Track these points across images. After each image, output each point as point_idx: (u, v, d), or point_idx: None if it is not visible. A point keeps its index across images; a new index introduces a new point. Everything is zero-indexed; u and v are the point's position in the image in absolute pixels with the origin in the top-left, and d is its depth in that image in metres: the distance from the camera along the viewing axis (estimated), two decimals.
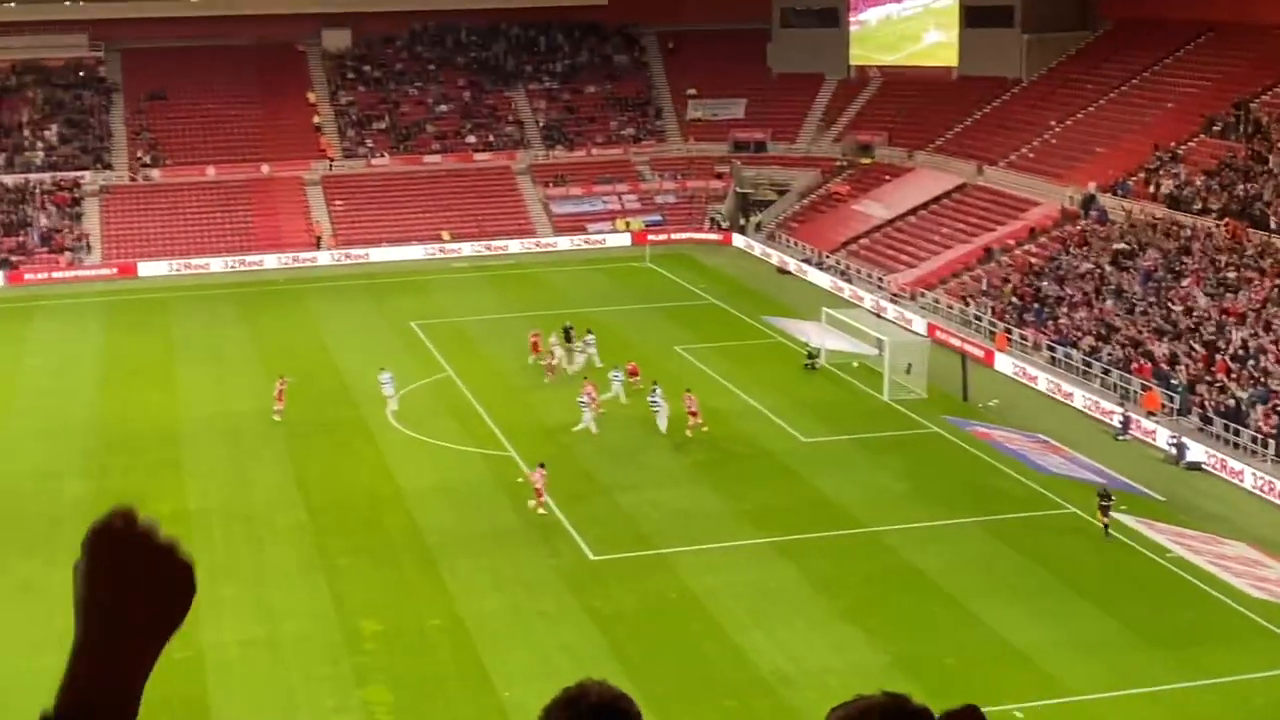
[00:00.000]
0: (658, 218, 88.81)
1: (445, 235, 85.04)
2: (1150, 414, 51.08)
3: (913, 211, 79.90)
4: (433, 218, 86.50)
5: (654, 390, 50.41)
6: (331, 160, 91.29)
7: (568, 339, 59.79)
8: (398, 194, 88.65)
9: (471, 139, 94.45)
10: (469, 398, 54.66)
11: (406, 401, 53.22)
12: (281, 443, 49.82)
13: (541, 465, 43.31)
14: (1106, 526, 40.46)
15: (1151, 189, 68.10)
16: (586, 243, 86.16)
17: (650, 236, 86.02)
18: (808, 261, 78.93)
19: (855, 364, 57.99)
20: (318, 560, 39.62)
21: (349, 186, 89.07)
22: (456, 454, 48.31)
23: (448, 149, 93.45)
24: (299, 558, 39.85)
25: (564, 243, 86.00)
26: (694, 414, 49.66)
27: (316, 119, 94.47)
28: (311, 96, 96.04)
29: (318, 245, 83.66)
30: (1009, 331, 60.98)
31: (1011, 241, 71.03)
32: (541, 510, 42.17)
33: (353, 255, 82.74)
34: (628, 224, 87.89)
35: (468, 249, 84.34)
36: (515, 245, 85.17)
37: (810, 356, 58.83)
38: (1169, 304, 57.84)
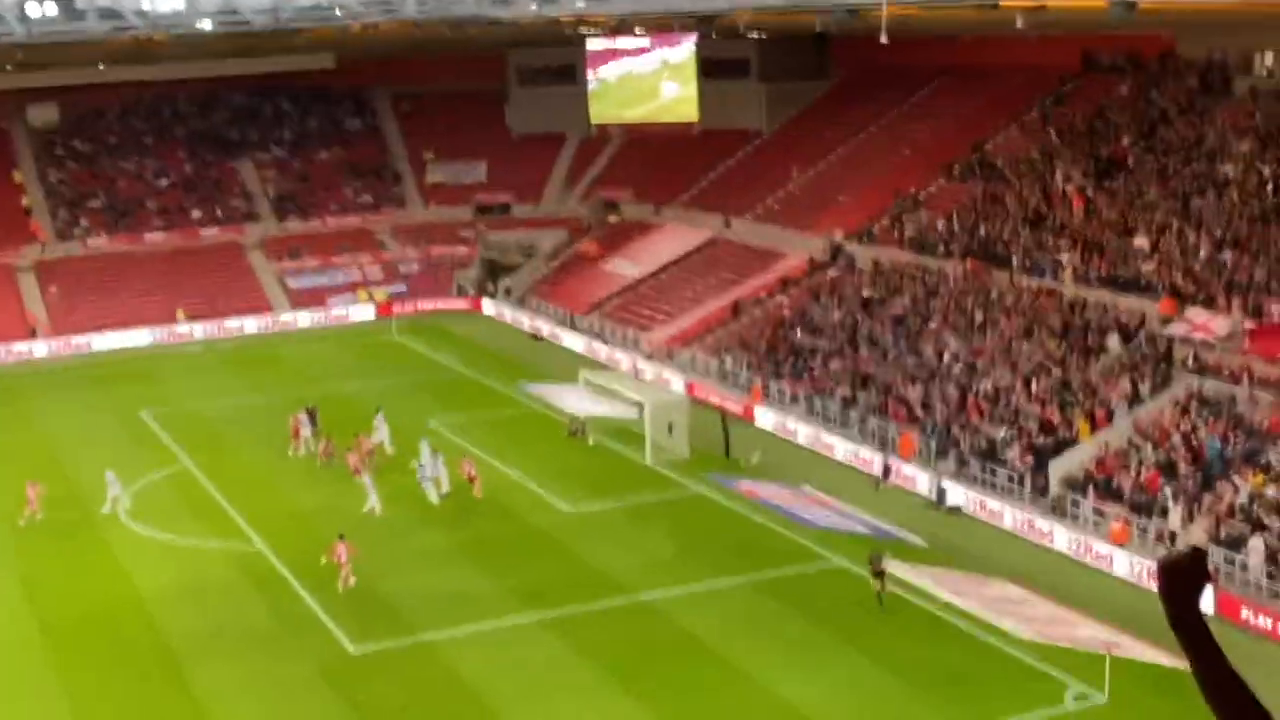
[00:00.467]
0: (402, 287, 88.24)
1: (180, 314, 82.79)
2: (907, 459, 53.01)
3: (664, 268, 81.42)
4: (159, 299, 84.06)
5: (421, 462, 50.29)
6: (44, 243, 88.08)
7: (313, 421, 58.81)
8: (118, 275, 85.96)
9: (196, 214, 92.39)
10: (209, 489, 53.80)
11: (142, 498, 52.24)
12: (5, 553, 47.98)
13: (341, 536, 43.55)
14: (880, 594, 40.86)
15: (896, 234, 71.06)
16: (328, 318, 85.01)
17: (396, 307, 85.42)
18: (561, 324, 79.59)
19: (617, 429, 58.63)
20: (52, 679, 37.97)
21: (64, 270, 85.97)
22: (198, 551, 47.26)
23: (171, 225, 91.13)
24: (32, 678, 38.22)
25: (304, 318, 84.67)
26: (473, 479, 50.77)
27: (25, 200, 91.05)
28: (18, 176, 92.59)
29: (33, 335, 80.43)
30: (765, 386, 62.56)
31: (763, 293, 73.06)
32: (352, 581, 42.53)
33: (73, 344, 79.79)
34: (370, 295, 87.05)
35: (199, 331, 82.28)
36: (251, 324, 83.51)
37: (573, 430, 59.14)
38: (920, 348, 60.32)
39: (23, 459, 57.86)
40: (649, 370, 68.80)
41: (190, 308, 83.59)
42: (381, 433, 57.18)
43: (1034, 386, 53.47)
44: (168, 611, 42.13)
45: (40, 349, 79.34)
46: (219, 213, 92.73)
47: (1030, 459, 49.66)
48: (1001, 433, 51.62)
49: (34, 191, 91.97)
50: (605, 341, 74.90)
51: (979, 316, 60.50)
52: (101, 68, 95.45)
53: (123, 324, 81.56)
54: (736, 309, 72.35)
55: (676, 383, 66.24)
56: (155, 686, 37.40)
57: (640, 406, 57.11)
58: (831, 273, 71.56)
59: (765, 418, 60.77)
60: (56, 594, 43.97)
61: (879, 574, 40.91)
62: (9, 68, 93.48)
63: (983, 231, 66.66)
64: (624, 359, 71.26)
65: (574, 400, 60.27)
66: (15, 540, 48.74)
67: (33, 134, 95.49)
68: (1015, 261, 62.86)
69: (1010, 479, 49.70)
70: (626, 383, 62.30)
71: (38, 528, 49.68)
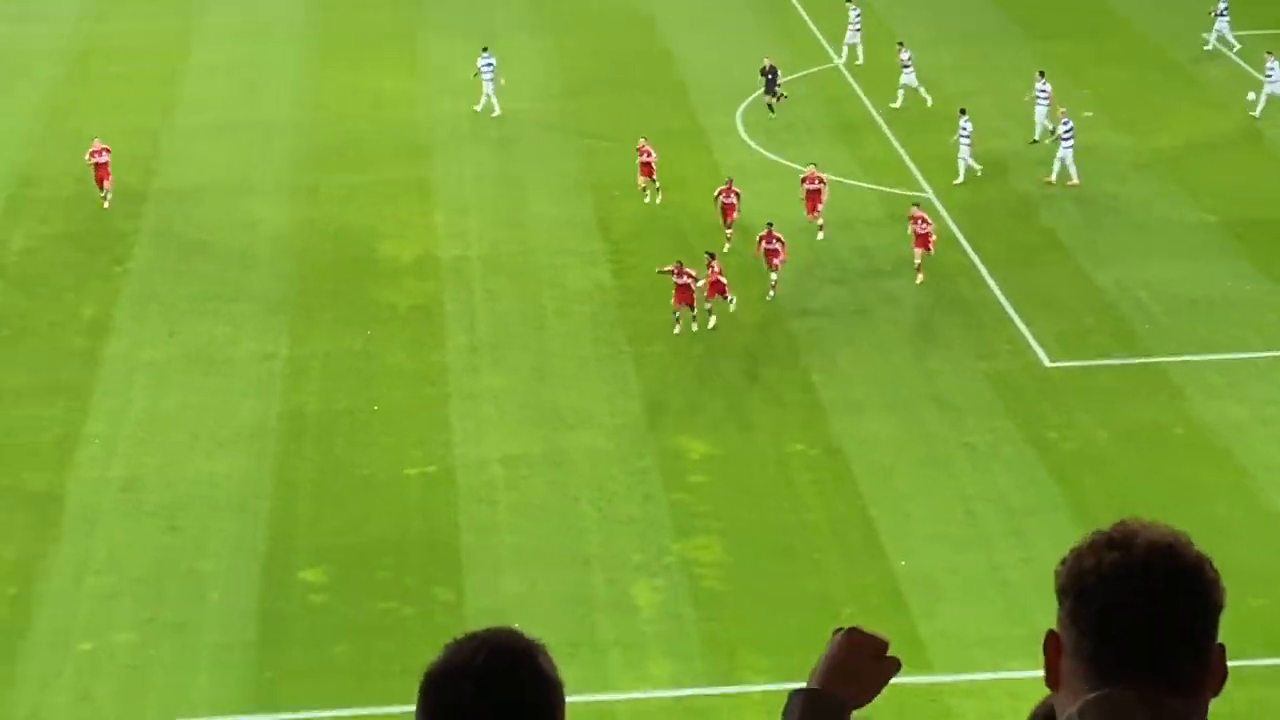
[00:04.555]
0: None
1: None
2: None
3: None
4: None
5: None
6: None
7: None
8: None
9: None
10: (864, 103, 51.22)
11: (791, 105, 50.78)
12: (574, 158, 48.02)
13: (710, 255, 39.20)
14: None
15: None
16: None
17: None
18: None
19: None
20: (621, 342, 38.32)
21: None
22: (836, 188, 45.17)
23: None
24: (596, 335, 38.67)
25: None
26: None
27: None
28: None
29: None
30: None
31: None
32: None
33: None
34: None
35: None
36: None
37: None
38: None
39: (621, 37, 56.76)
40: None
41: None
42: None
43: None
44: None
45: None
46: None
47: None
48: None
49: None
50: None
51: None
52: None
53: None
54: None
55: None
56: (764, 372, 36.09)
57: None
58: None
59: None
60: (627, 217, 44.49)
61: None
62: None
63: None
64: None
65: None
66: (585, 146, 48.84)
67: None
68: None
69: None
70: None
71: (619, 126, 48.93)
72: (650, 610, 29.83)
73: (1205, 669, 3.24)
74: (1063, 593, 3.28)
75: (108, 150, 43.95)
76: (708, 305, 38.24)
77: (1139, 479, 33.02)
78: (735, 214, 41.60)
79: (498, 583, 30.43)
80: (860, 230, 43.74)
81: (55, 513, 32.12)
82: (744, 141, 49.32)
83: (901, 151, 48.24)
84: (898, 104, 50.57)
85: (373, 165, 47.79)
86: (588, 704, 26.84)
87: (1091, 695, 3.20)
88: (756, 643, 28.87)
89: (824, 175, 42.69)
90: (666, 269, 37.91)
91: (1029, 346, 38.24)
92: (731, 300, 38.12)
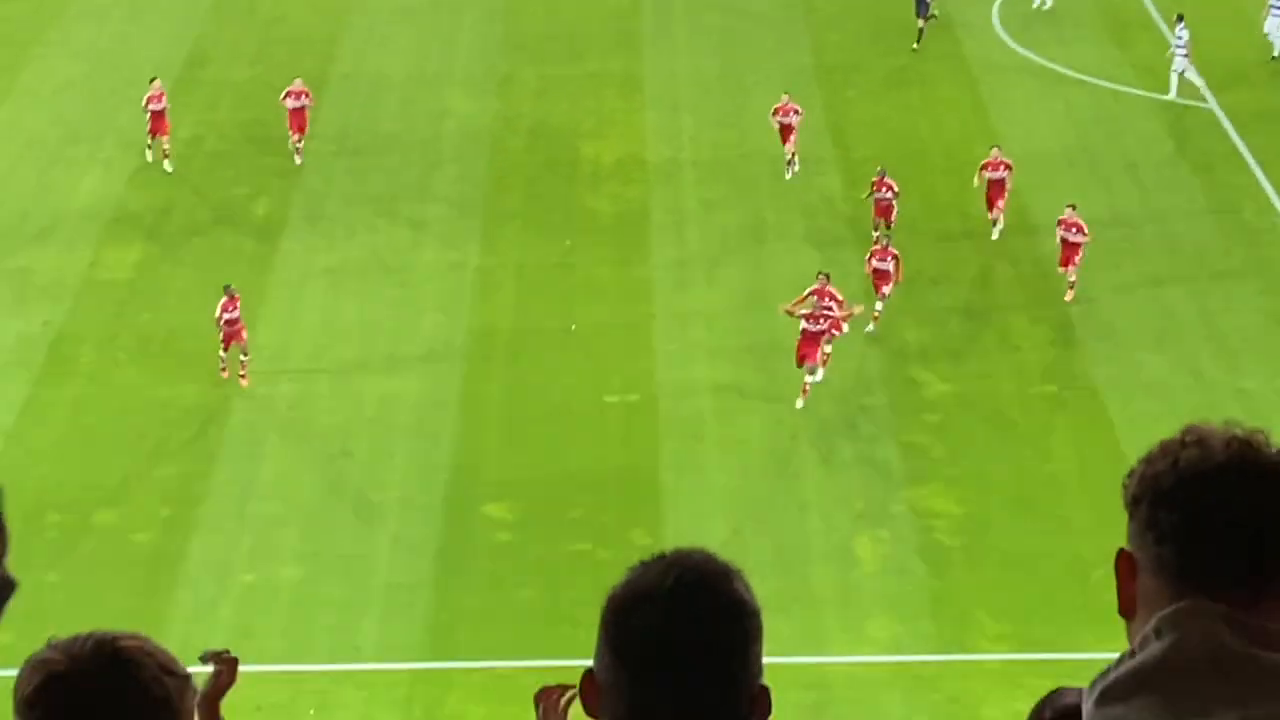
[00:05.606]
0: None
1: None
2: None
3: None
4: None
5: None
6: None
7: None
8: None
9: None
10: None
11: None
12: (803, 52, 45.52)
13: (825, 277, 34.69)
14: None
15: None
16: None
17: None
18: None
19: None
20: (850, 262, 36.99)
21: None
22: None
23: None
24: (822, 256, 37.04)
25: None
26: None
27: None
28: None
29: None
30: None
31: None
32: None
33: None
34: None
35: None
36: None
37: None
38: None
39: None
40: None
41: None
42: None
43: None
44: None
45: None
46: None
47: None
48: None
49: None
50: None
51: None
52: None
53: None
54: None
55: None
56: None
57: None
58: None
59: None
60: (869, 128, 44.00)
61: None
62: None
63: None
64: None
65: None
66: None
67: None
68: None
69: None
70: None
71: None
72: (872, 565, 29.57)
73: None
74: (1135, 502, 3.21)
75: (307, 94, 41.14)
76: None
77: None
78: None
79: (702, 527, 29.80)
80: (1129, 143, 42.52)
81: (217, 430, 31.96)
82: (999, 37, 48.36)
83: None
84: None
85: (575, 56, 47.46)
86: (799, 665, 26.57)
87: (1169, 609, 3.08)
88: (991, 606, 28.48)
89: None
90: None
91: None
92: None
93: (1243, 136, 42.15)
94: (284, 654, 27.10)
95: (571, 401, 32.86)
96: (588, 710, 3.51)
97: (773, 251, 38.38)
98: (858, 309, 33.49)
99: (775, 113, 40.58)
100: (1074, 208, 36.08)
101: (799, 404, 32.57)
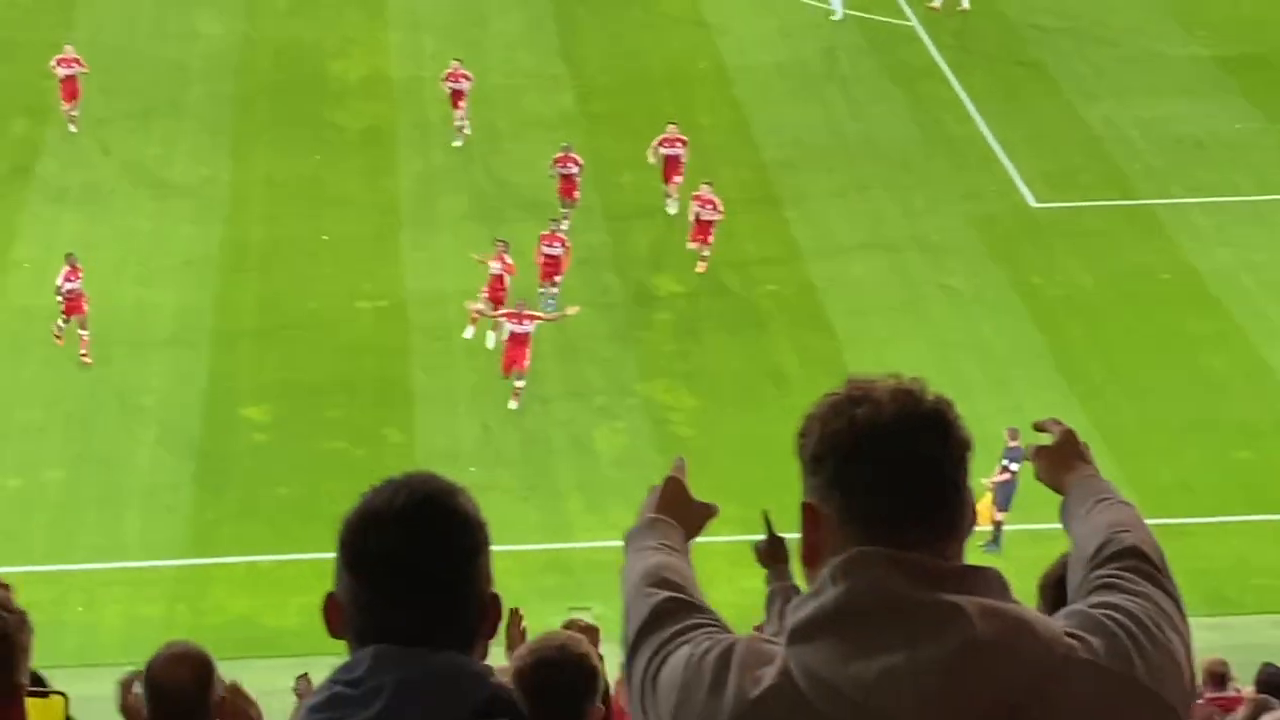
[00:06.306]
0: None
1: None
2: None
3: None
4: None
5: None
6: None
7: None
8: None
9: None
10: None
11: None
12: None
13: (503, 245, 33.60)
14: None
15: None
16: None
17: None
18: None
19: None
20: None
21: None
22: None
23: None
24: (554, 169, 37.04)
25: None
26: None
27: None
28: None
29: None
30: None
31: None
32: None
33: None
34: None
35: None
36: None
37: None
38: None
39: None
40: None
41: None
42: None
43: None
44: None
45: None
46: None
47: None
48: None
49: None
50: None
51: None
52: None
53: None
54: None
55: None
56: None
57: None
58: None
59: None
60: (604, 54, 43.81)
61: None
62: None
63: None
64: None
65: None
66: None
67: None
68: None
69: None
70: None
71: None
72: (611, 455, 29.88)
73: (963, 512, 3.31)
74: (816, 460, 3.30)
75: (79, 61, 38.83)
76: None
77: (1125, 328, 33.27)
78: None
79: (452, 424, 30.46)
80: (840, 57, 43.69)
81: None
82: None
83: None
84: None
85: None
86: (545, 551, 27.23)
87: (841, 556, 3.21)
88: (723, 491, 28.29)
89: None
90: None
91: (1015, 186, 38.43)
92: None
93: (941, 52, 43.29)
94: (50, 554, 27.08)
95: (324, 309, 33.03)
96: (331, 631, 3.57)
97: (507, 160, 38.60)
98: (572, 310, 31.66)
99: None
100: (710, 184, 34.65)
101: (512, 405, 30.64)
